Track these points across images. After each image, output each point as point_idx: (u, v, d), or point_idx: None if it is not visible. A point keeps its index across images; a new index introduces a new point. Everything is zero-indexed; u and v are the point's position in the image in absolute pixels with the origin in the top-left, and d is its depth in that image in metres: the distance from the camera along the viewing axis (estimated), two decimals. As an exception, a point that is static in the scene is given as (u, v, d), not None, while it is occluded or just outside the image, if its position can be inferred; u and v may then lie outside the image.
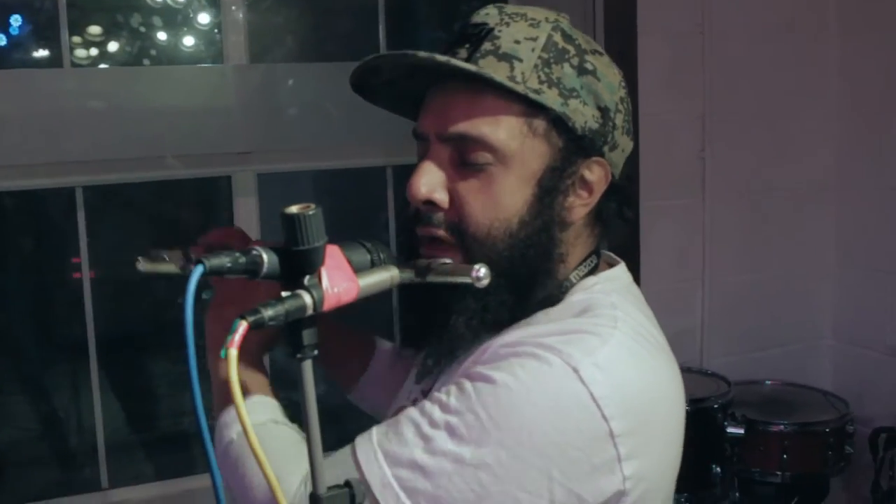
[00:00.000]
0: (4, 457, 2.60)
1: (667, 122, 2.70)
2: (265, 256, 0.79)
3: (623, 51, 2.60)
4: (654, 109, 2.62)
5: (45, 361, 2.82)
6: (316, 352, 0.83)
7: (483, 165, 1.00)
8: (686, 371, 2.67)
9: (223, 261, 0.75)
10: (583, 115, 1.01)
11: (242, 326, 0.74)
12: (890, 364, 2.75)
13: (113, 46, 2.59)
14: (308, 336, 0.82)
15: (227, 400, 1.09)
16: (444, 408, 0.93)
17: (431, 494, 0.91)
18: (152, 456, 2.78)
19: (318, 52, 2.89)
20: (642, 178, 2.61)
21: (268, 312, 0.76)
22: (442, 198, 1.03)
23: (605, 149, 1.04)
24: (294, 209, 0.78)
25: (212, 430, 1.07)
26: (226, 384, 1.10)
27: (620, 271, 1.12)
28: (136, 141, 2.33)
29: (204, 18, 2.59)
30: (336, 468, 0.95)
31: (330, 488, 0.85)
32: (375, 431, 0.97)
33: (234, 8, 2.45)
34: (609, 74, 1.04)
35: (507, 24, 1.02)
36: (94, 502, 2.44)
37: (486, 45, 1.01)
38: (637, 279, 2.62)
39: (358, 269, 0.88)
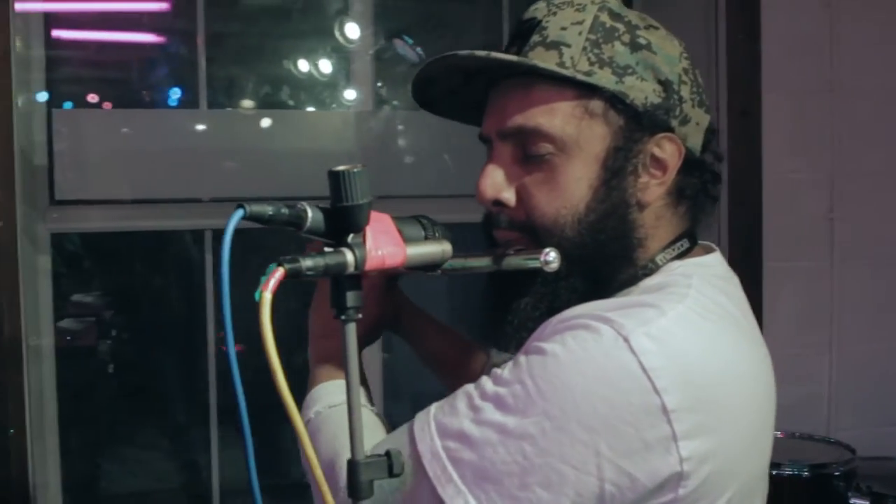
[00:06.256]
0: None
1: (793, 181, 2.61)
2: (310, 211, 0.80)
3: (747, 108, 2.56)
4: (779, 168, 2.55)
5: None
6: (360, 315, 0.84)
7: (545, 156, 1.00)
8: (808, 439, 2.53)
9: (265, 209, 0.77)
10: (642, 91, 0.99)
11: (279, 272, 0.76)
12: None
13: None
14: (352, 298, 0.83)
15: (312, 384, 1.13)
16: (497, 380, 0.92)
17: (476, 465, 0.88)
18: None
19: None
20: (766, 237, 2.54)
21: (306, 262, 0.78)
22: (509, 196, 1.03)
23: (675, 123, 1.01)
24: (340, 167, 0.80)
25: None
26: (313, 368, 1.15)
27: (714, 259, 1.07)
28: (264, 183, 2.46)
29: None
30: (394, 441, 0.95)
31: (369, 456, 0.84)
32: (434, 406, 0.96)
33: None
34: (667, 47, 1.03)
35: (554, 14, 1.03)
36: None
37: (535, 38, 1.01)
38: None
39: (409, 240, 0.88)
